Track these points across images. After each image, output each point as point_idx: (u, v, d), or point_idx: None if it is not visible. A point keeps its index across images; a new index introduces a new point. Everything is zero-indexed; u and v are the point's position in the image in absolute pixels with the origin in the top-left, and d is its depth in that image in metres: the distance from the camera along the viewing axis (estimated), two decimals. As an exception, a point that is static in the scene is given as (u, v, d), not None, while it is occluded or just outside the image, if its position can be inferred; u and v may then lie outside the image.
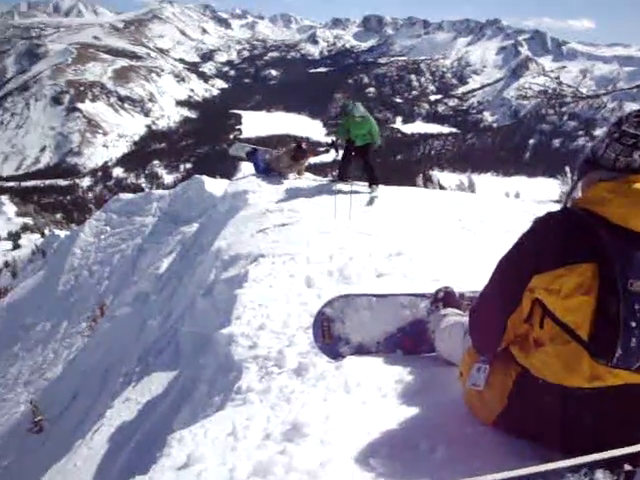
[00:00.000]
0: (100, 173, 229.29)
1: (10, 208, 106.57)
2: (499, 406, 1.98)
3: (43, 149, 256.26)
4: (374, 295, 3.06)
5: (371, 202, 9.97)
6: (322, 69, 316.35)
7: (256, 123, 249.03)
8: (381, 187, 10.90)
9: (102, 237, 34.23)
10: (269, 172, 12.61)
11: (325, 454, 1.80)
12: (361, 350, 2.97)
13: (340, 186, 10.67)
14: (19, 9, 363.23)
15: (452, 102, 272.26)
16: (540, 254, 1.80)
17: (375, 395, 2.39)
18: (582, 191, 1.97)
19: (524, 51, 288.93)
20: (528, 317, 1.89)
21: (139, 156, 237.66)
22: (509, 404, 1.95)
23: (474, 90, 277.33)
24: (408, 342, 3.00)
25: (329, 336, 2.92)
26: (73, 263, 33.44)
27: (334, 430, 1.98)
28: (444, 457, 1.82)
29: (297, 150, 12.19)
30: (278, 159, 12.56)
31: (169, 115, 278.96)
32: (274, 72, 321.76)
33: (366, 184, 11.02)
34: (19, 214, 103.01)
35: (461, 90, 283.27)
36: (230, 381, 2.85)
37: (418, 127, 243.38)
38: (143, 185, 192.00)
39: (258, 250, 6.15)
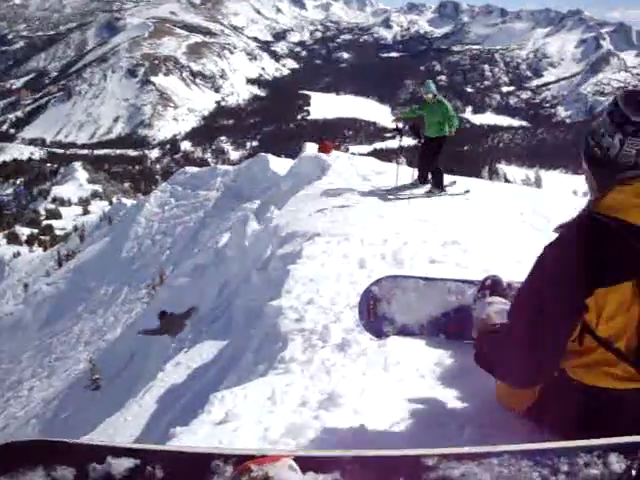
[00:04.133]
0: (168, 146, 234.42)
1: (82, 175, 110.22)
2: (530, 399, 1.98)
3: (116, 119, 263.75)
4: (422, 278, 3.09)
5: (430, 194, 9.58)
6: (394, 54, 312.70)
7: (324, 105, 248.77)
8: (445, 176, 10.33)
9: (166, 208, 35.18)
10: None
11: (357, 423, 1.87)
12: (404, 331, 3.01)
13: (417, 191, 9.68)
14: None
15: (525, 95, 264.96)
16: (598, 267, 1.63)
17: (413, 375, 2.44)
18: (593, 192, 1.84)
19: (606, 45, 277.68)
20: None
21: (207, 131, 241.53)
22: (541, 398, 1.94)
23: (549, 83, 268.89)
24: (451, 327, 3.02)
25: (374, 314, 2.98)
26: (137, 232, 34.54)
27: (368, 403, 2.04)
28: (471, 437, 1.86)
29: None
30: None
31: (239, 92, 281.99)
32: (345, 55, 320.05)
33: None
34: (90, 181, 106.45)
35: (535, 83, 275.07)
36: (275, 351, 2.95)
37: (488, 118, 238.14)
38: (209, 160, 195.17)
39: (315, 229, 6.23)
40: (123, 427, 4.86)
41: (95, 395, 15.13)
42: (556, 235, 1.79)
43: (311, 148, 21.39)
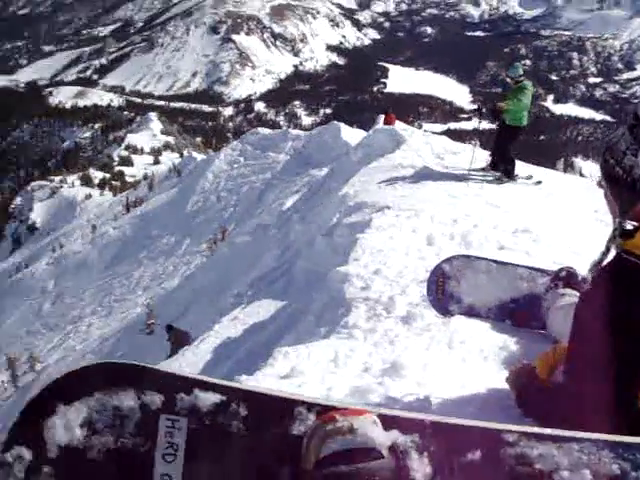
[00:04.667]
0: (243, 105, 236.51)
1: (156, 125, 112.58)
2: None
3: (194, 74, 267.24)
4: (494, 261, 3.03)
5: (499, 182, 9.27)
6: (479, 33, 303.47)
7: (402, 79, 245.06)
8: (518, 163, 10.02)
9: (235, 166, 35.62)
10: None
11: (420, 394, 1.87)
12: (470, 312, 2.97)
13: (489, 176, 9.24)
14: None
15: (613, 88, 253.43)
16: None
17: (476, 356, 2.41)
18: (615, 216, 1.62)
19: None
20: None
21: (282, 94, 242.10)
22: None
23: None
24: (519, 314, 2.96)
25: (442, 292, 2.95)
26: (204, 186, 35.17)
27: (431, 377, 2.03)
28: (533, 425, 1.82)
29: None
30: None
31: (317, 58, 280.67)
32: (429, 30, 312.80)
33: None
34: (163, 132, 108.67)
35: (626, 76, 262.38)
36: (338, 316, 2.96)
37: (569, 109, 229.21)
38: (281, 123, 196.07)
39: (384, 201, 6.19)
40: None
41: (149, 339, 15.63)
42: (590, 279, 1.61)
43: (397, 122, 21.19)
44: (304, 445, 0.90)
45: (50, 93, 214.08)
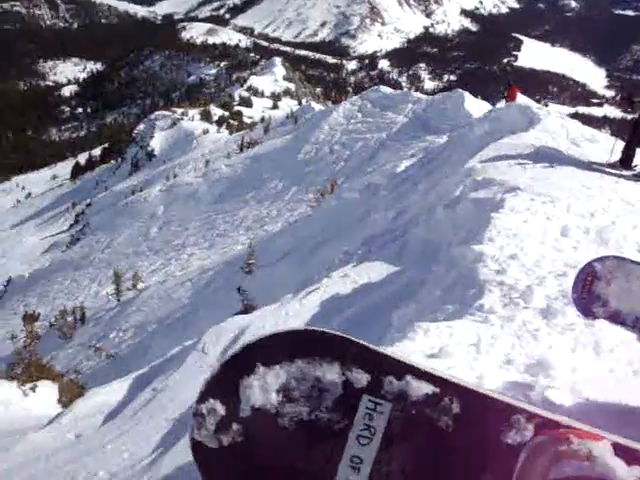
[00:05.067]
0: (367, 61, 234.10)
1: (280, 70, 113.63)
2: None
3: (323, 24, 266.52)
4: (654, 268, 2.78)
5: (637, 179, 8.52)
6: (629, 12, 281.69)
7: (535, 54, 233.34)
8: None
9: (352, 121, 35.47)
10: None
11: (576, 401, 1.72)
12: (615, 318, 2.74)
13: (626, 171, 8.31)
14: None
15: None
16: None
17: (625, 369, 2.21)
18: None
19: None
20: None
21: (408, 55, 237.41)
22: None
23: None
24: (672, 330, 2.71)
25: (588, 291, 2.73)
26: (319, 137, 35.32)
27: (582, 384, 1.87)
28: None
29: None
30: None
31: (450, 22, 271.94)
32: (574, 3, 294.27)
33: None
34: (285, 78, 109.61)
35: None
36: (469, 296, 2.83)
37: None
38: (403, 84, 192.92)
39: (514, 182, 5.89)
40: (281, 319, 5.04)
41: (247, 278, 16.00)
42: None
43: (520, 96, 20.27)
44: (523, 458, 0.80)
45: (183, 28, 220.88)
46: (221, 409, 0.84)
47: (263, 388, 0.84)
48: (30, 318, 14.71)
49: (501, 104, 18.07)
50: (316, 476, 0.85)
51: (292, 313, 5.06)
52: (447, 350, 1.88)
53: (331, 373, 0.83)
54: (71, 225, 58.36)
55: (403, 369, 0.83)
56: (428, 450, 0.83)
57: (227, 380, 0.84)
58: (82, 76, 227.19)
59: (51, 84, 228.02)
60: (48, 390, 8.06)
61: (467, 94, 28.83)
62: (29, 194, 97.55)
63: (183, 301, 16.97)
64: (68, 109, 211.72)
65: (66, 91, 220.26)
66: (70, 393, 8.34)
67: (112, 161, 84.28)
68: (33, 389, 7.71)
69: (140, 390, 4.86)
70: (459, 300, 2.89)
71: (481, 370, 1.79)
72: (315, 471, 0.85)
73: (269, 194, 31.73)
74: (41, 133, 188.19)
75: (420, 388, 0.82)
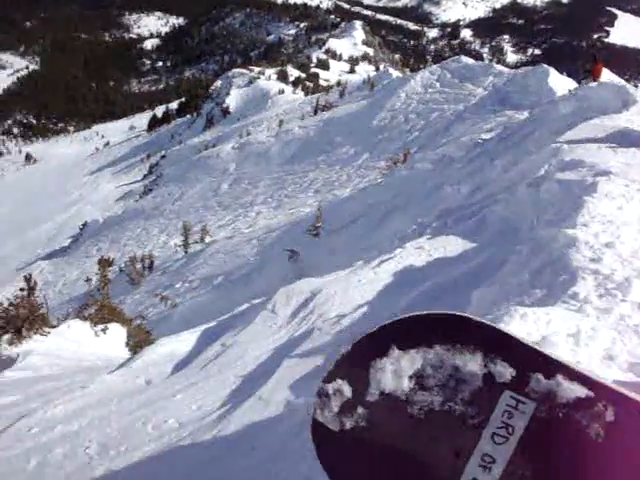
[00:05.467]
0: (449, 29, 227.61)
1: (359, 35, 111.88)
2: None
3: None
4: None
5: None
6: None
7: (630, 29, 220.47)
8: None
9: (429, 90, 34.66)
10: None
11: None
12: None
13: None
14: None
15: None
16: None
17: None
18: None
19: None
20: None
21: (492, 25, 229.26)
22: None
23: None
24: None
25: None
26: (394, 105, 34.73)
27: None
28: None
29: None
30: None
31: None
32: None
33: None
34: (364, 43, 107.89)
35: None
36: (559, 283, 2.69)
37: None
38: (484, 55, 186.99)
39: (606, 166, 5.58)
40: (356, 287, 4.98)
41: (313, 241, 16.01)
42: None
43: (606, 74, 19.22)
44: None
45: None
46: (348, 391, 0.78)
47: (396, 372, 0.78)
48: (105, 263, 15.23)
49: (587, 81, 17.18)
50: (441, 470, 0.79)
51: (365, 281, 5.00)
52: (550, 339, 1.77)
53: (472, 363, 0.76)
54: (145, 175, 60.04)
55: (554, 367, 0.75)
56: (571, 459, 0.75)
57: (358, 360, 0.79)
58: (164, 30, 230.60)
59: (134, 37, 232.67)
60: (117, 333, 8.35)
61: (552, 70, 27.54)
62: (107, 143, 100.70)
63: (249, 258, 17.18)
64: (149, 62, 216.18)
65: (148, 44, 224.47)
66: (137, 337, 8.63)
67: (188, 115, 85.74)
68: (104, 330, 8.00)
69: (209, 344, 4.94)
70: (549, 286, 2.76)
71: (581, 364, 1.69)
72: (440, 465, 0.79)
73: (340, 158, 31.54)
74: (122, 84, 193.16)
75: (572, 390, 0.74)
